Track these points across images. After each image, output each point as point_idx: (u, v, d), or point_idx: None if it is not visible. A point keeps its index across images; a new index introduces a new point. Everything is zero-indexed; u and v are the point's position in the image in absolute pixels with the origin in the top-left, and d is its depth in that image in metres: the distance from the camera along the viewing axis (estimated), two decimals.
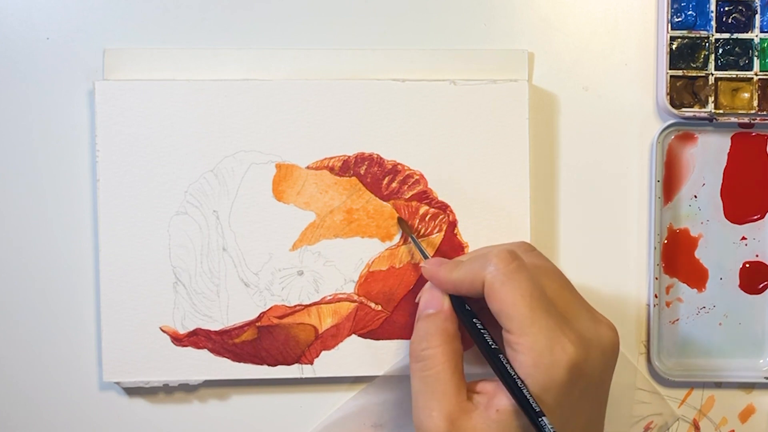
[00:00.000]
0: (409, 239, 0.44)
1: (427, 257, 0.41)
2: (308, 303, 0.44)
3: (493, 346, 0.37)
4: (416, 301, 0.41)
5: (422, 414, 0.36)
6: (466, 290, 0.38)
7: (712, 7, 0.46)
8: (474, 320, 0.38)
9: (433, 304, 0.39)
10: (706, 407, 0.47)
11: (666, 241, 0.46)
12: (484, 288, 0.37)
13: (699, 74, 0.46)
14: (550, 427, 0.34)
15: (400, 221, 0.44)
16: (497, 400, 0.36)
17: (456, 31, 0.46)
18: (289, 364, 0.44)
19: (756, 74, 0.46)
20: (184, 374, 0.44)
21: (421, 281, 0.44)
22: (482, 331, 0.38)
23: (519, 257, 0.37)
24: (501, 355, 0.36)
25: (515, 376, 0.35)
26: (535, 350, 0.35)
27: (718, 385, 0.47)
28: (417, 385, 0.37)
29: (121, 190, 0.43)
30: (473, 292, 0.38)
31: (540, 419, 0.34)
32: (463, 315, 0.39)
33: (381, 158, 0.44)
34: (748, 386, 0.47)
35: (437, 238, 0.44)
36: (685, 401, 0.47)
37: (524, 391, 0.34)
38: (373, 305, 0.44)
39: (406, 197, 0.44)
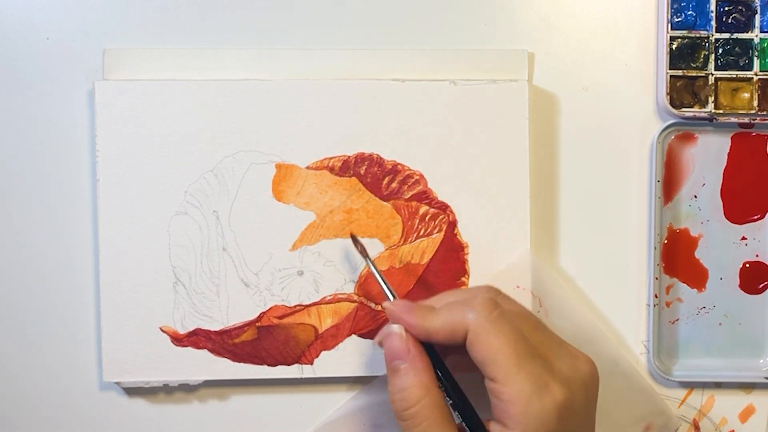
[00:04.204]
0: (370, 267, 0.42)
1: (394, 296, 0.40)
2: (308, 303, 0.44)
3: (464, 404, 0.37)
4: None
5: None
6: (441, 338, 0.37)
7: (712, 7, 0.46)
8: (442, 370, 0.38)
9: (400, 355, 0.38)
10: (706, 407, 0.47)
11: (666, 241, 0.46)
12: (467, 336, 0.36)
13: (699, 74, 0.46)
14: None
15: (354, 238, 0.43)
16: None
17: (456, 31, 0.46)
18: (288, 364, 0.44)
19: (756, 74, 0.46)
20: (184, 374, 0.44)
21: (420, 283, 0.44)
22: (447, 381, 0.38)
23: (500, 305, 0.37)
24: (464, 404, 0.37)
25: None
26: (522, 398, 0.35)
27: (718, 385, 0.47)
28: None
29: (121, 190, 0.43)
30: (451, 340, 0.37)
31: None
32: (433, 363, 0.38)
33: (381, 158, 0.44)
34: (748, 386, 0.47)
35: (437, 238, 0.44)
36: (685, 401, 0.47)
37: None
38: (373, 305, 0.44)
39: (406, 197, 0.44)
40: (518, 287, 0.44)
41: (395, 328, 0.38)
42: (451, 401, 0.37)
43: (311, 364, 0.44)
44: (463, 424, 0.37)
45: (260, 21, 0.45)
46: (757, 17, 0.46)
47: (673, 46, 0.46)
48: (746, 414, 0.47)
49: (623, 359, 0.45)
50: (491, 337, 0.36)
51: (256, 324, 0.44)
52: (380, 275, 0.41)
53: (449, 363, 0.38)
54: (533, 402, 0.35)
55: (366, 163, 0.44)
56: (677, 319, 0.47)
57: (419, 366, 0.37)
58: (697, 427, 0.47)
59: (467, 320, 0.36)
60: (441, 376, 0.38)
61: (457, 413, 0.37)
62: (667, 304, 0.47)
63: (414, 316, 0.38)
